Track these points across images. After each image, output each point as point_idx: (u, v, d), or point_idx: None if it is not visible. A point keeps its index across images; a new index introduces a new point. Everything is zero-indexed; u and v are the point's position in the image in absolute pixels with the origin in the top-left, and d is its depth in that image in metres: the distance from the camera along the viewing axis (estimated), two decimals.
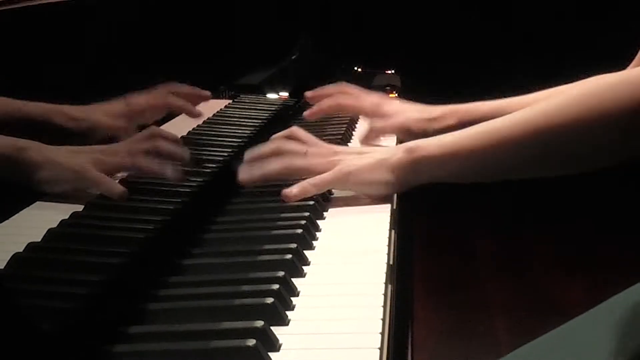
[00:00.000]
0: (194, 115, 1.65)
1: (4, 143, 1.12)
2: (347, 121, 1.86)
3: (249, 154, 1.36)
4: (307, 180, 1.31)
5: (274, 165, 1.32)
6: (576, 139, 1.18)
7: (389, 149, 1.35)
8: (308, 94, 1.78)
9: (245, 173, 1.33)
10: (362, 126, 1.82)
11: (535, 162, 1.24)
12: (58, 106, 1.29)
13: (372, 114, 1.67)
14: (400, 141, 1.71)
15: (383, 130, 1.64)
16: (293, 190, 1.29)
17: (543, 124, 1.19)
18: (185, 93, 1.65)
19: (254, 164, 1.34)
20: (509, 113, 1.55)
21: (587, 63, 1.56)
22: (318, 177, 1.31)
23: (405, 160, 1.28)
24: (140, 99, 1.52)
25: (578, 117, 1.16)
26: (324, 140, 1.41)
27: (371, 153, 1.33)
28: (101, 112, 1.40)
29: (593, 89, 1.17)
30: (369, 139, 1.65)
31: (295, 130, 1.40)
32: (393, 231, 1.23)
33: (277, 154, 1.34)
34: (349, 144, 1.73)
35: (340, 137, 1.71)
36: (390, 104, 1.67)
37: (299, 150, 1.35)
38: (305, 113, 1.75)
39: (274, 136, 1.40)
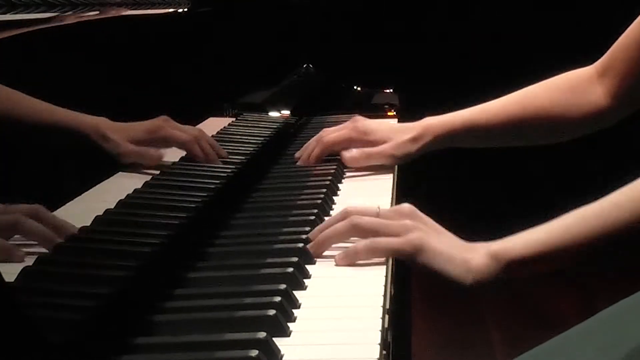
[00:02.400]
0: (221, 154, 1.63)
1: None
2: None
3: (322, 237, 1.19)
4: (365, 241, 1.15)
5: (338, 227, 1.18)
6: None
7: (467, 247, 1.20)
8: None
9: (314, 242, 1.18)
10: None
11: (613, 253, 1.21)
12: (95, 119, 1.33)
13: (360, 142, 1.66)
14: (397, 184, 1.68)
15: (373, 157, 1.63)
16: (342, 255, 1.15)
17: (611, 224, 1.16)
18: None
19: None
20: (483, 124, 1.58)
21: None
22: (383, 239, 1.15)
23: (494, 265, 1.16)
24: (167, 131, 1.52)
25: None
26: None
27: (452, 241, 1.21)
28: (123, 133, 1.40)
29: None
30: (359, 162, 1.63)
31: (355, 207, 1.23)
32: None
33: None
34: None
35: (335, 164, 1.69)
36: (376, 130, 1.66)
37: (370, 210, 1.20)
38: (299, 158, 1.70)
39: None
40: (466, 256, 1.17)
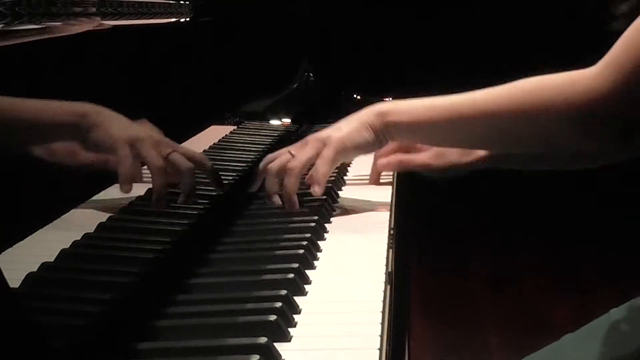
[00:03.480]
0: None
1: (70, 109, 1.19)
2: None
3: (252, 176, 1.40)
4: (315, 170, 1.34)
5: (289, 184, 1.35)
6: (521, 126, 1.25)
7: (361, 113, 1.38)
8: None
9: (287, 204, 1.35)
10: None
11: (487, 139, 1.33)
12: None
13: (406, 150, 1.61)
14: (398, 174, 1.68)
15: (413, 164, 1.57)
16: (315, 189, 1.34)
17: (494, 109, 1.25)
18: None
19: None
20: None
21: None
22: (320, 158, 1.35)
23: (379, 123, 1.34)
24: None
25: (525, 109, 1.23)
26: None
27: (347, 120, 1.38)
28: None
29: (544, 85, 1.22)
30: (400, 168, 1.60)
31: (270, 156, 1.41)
32: (390, 251, 1.23)
33: (277, 173, 1.36)
34: (347, 176, 1.71)
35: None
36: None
37: (284, 155, 1.38)
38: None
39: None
40: (364, 119, 1.36)
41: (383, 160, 1.59)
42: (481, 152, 1.56)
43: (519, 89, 1.24)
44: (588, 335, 1.35)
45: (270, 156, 1.40)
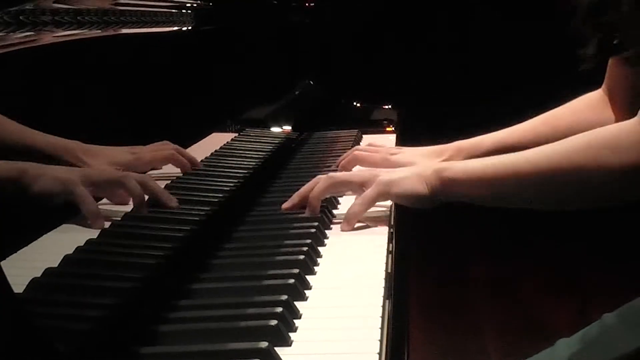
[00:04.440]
0: (196, 166, 1.62)
1: (9, 167, 1.13)
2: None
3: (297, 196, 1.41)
4: (353, 204, 1.36)
5: (319, 186, 1.38)
6: (575, 182, 1.25)
7: (419, 166, 1.42)
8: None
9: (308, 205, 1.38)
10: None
11: (543, 196, 1.31)
12: (71, 143, 1.29)
13: (384, 167, 1.64)
14: None
15: None
16: (345, 224, 1.35)
17: (548, 166, 1.26)
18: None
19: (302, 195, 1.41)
20: (511, 145, 1.57)
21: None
22: (361, 196, 1.36)
23: (435, 178, 1.33)
24: (146, 151, 1.51)
25: (577, 164, 1.23)
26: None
27: (404, 168, 1.41)
28: (106, 158, 1.38)
29: (593, 139, 1.23)
30: None
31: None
32: (390, 256, 1.23)
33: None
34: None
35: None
36: (402, 156, 1.66)
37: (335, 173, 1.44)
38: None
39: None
40: (420, 172, 1.35)
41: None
42: (458, 158, 1.59)
43: (571, 144, 1.25)
44: (581, 340, 1.35)
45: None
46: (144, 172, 1.45)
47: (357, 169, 1.67)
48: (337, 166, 1.70)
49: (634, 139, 1.18)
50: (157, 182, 1.42)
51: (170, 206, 1.33)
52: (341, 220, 1.37)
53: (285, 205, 1.41)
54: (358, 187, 1.38)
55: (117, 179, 1.29)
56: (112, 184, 1.29)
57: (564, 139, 1.26)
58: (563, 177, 1.25)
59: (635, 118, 1.18)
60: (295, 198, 1.41)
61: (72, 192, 1.19)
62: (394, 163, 1.62)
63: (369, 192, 1.35)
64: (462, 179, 1.32)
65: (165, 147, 1.56)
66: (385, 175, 1.37)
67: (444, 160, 1.59)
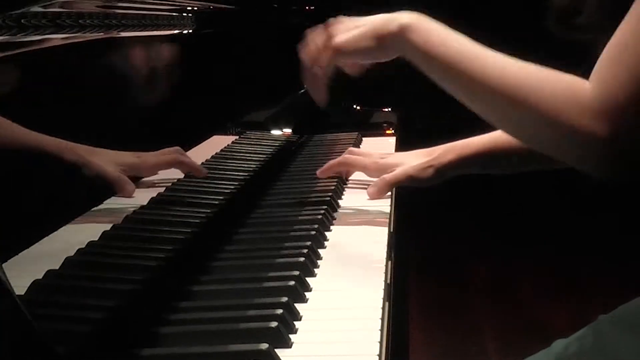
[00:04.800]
0: (201, 174, 1.59)
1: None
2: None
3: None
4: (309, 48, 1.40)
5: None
6: (517, 108, 1.17)
7: (379, 18, 1.35)
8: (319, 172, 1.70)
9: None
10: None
11: (478, 100, 1.24)
12: (71, 144, 1.28)
13: (374, 170, 1.65)
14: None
15: (390, 182, 1.58)
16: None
17: (499, 75, 1.19)
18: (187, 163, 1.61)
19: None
20: (502, 145, 1.56)
21: None
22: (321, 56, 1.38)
23: (395, 30, 1.30)
24: (150, 155, 1.50)
25: (524, 93, 1.15)
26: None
27: (361, 24, 1.36)
28: (110, 158, 1.37)
29: (551, 79, 1.15)
30: (381, 192, 1.58)
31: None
32: (389, 259, 1.23)
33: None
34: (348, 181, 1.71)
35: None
36: (392, 158, 1.65)
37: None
38: (318, 172, 1.69)
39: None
40: (379, 25, 1.33)
41: (371, 189, 1.60)
42: (450, 156, 1.58)
43: (531, 71, 1.18)
44: (577, 341, 1.35)
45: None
46: (149, 176, 1.45)
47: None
48: (328, 168, 1.69)
49: (582, 102, 1.10)
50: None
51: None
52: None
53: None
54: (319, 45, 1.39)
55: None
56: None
57: (531, 64, 1.20)
58: (509, 96, 1.17)
59: (589, 83, 1.12)
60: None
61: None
62: (383, 165, 1.62)
63: (323, 56, 1.37)
64: (420, 46, 1.27)
65: (170, 151, 1.55)
66: (342, 36, 1.36)
67: (433, 159, 1.58)
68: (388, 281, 1.14)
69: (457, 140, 1.62)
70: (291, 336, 0.94)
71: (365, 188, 1.59)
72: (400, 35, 1.29)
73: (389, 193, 1.58)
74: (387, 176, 1.58)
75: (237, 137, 2.04)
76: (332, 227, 1.37)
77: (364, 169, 1.66)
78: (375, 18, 1.35)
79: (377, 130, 2.37)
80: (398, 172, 1.58)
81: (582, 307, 3.46)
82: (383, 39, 1.31)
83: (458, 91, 1.26)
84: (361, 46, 1.34)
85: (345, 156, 1.69)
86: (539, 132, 1.16)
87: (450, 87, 1.27)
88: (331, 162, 1.69)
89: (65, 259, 1.07)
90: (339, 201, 1.54)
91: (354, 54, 1.36)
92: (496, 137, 1.58)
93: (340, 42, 1.35)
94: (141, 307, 1.02)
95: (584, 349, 1.33)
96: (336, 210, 1.48)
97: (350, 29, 1.36)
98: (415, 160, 1.60)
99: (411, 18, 1.30)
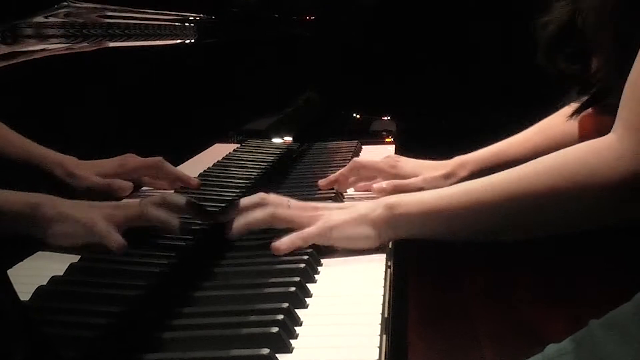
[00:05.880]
0: (192, 185, 1.53)
1: (18, 199, 1.04)
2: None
3: (233, 206, 1.28)
4: (295, 234, 1.23)
5: (258, 214, 1.25)
6: (549, 206, 1.15)
7: (370, 203, 1.26)
8: (321, 182, 1.66)
9: (232, 224, 1.25)
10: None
11: (510, 225, 1.20)
12: (65, 158, 1.24)
13: (388, 173, 1.64)
14: None
15: (403, 189, 1.56)
16: (282, 244, 1.22)
17: (518, 190, 1.16)
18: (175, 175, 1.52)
19: (239, 215, 1.26)
20: (512, 156, 1.55)
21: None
22: (304, 230, 1.23)
23: (385, 216, 1.23)
24: (135, 160, 1.44)
25: (552, 186, 1.14)
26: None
27: (352, 208, 1.27)
28: (94, 169, 1.32)
29: (568, 159, 1.15)
30: (388, 193, 1.55)
31: (268, 195, 1.30)
32: (389, 265, 1.23)
33: (260, 205, 1.27)
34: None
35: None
36: (405, 164, 1.64)
37: (282, 202, 1.28)
38: (321, 182, 1.65)
39: (244, 199, 1.29)
40: (365, 213, 1.23)
41: (379, 186, 1.60)
42: (463, 173, 1.58)
43: (542, 166, 1.16)
44: (570, 346, 1.35)
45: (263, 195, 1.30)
46: (131, 179, 1.40)
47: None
48: (337, 178, 1.67)
49: (611, 156, 1.10)
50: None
51: (200, 214, 1.27)
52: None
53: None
54: (299, 228, 1.24)
55: (138, 214, 1.19)
56: (133, 219, 1.18)
57: (532, 161, 1.17)
58: (535, 201, 1.14)
59: (610, 135, 1.12)
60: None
61: (93, 232, 1.11)
62: (399, 169, 1.62)
63: (312, 230, 1.23)
64: (416, 213, 1.21)
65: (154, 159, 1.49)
66: (327, 218, 1.24)
67: (446, 174, 1.59)
68: (387, 288, 1.14)
69: (457, 147, 1.62)
70: (292, 341, 0.94)
71: (364, 199, 1.59)
72: (390, 216, 1.22)
73: None
74: (399, 183, 1.59)
75: (238, 145, 2.04)
76: None
77: (377, 170, 1.65)
78: (363, 204, 1.27)
79: (376, 139, 2.37)
80: (411, 182, 1.58)
81: (578, 312, 3.46)
82: (378, 224, 1.23)
83: (487, 226, 1.20)
84: (351, 233, 1.24)
85: (355, 159, 1.68)
86: (585, 210, 1.15)
87: (475, 228, 1.21)
88: (343, 171, 1.66)
89: (70, 265, 1.07)
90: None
91: (344, 241, 1.25)
92: (503, 149, 1.59)
93: (329, 226, 1.24)
94: (144, 312, 1.02)
95: (576, 352, 1.33)
96: None
97: (339, 212, 1.27)
98: (428, 172, 1.60)
99: (392, 197, 1.25)
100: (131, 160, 1.43)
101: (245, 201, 1.28)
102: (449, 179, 1.59)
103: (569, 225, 1.20)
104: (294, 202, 1.28)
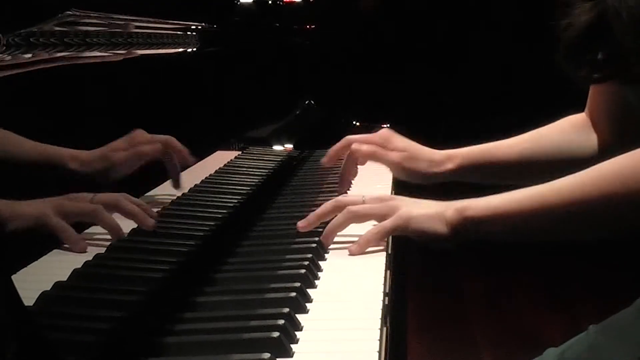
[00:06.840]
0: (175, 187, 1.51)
1: None
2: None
3: (313, 217, 1.35)
4: (368, 231, 1.29)
5: (339, 218, 1.32)
6: (615, 208, 1.18)
7: (442, 204, 1.31)
8: (324, 160, 1.69)
9: (322, 239, 1.31)
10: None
11: (572, 228, 1.24)
12: (72, 151, 1.24)
13: (380, 144, 1.63)
14: (395, 179, 1.71)
15: (385, 158, 1.61)
16: (355, 247, 1.29)
17: (582, 194, 1.19)
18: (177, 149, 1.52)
19: (313, 222, 1.34)
20: (496, 156, 1.56)
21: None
22: (379, 225, 1.29)
23: (456, 218, 1.26)
24: (144, 135, 1.44)
25: (611, 194, 1.17)
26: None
27: (425, 203, 1.31)
28: (106, 151, 1.33)
29: (626, 166, 1.17)
30: (372, 157, 1.62)
31: (341, 197, 1.41)
32: (388, 272, 1.23)
33: (338, 208, 1.33)
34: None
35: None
36: (399, 140, 1.64)
37: (356, 199, 1.35)
38: (323, 160, 1.69)
39: (319, 209, 1.36)
40: (441, 211, 1.28)
41: (359, 146, 1.60)
42: (450, 165, 1.59)
43: (600, 173, 1.19)
44: (568, 351, 1.35)
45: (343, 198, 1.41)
46: (119, 163, 1.37)
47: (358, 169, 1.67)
48: (331, 155, 1.68)
49: None
50: (163, 199, 1.43)
51: (147, 225, 1.26)
52: (342, 235, 1.37)
53: (301, 224, 1.35)
54: (379, 219, 1.31)
55: (88, 212, 1.20)
56: (83, 215, 1.19)
57: (592, 167, 1.20)
58: (602, 205, 1.17)
59: None
60: (312, 218, 1.35)
61: (46, 224, 1.12)
62: (390, 144, 1.61)
63: (387, 223, 1.29)
64: (486, 217, 1.25)
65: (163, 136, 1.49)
66: (405, 209, 1.29)
67: (434, 163, 1.59)
68: (386, 294, 1.14)
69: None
70: (292, 346, 0.94)
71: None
72: (461, 218, 1.26)
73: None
74: (383, 153, 1.61)
75: (240, 152, 2.04)
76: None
77: (369, 140, 1.64)
78: (438, 203, 1.31)
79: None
80: (390, 154, 1.60)
81: (576, 317, 3.46)
82: (451, 225, 1.27)
83: (552, 228, 1.25)
84: (426, 227, 1.28)
85: (347, 137, 1.66)
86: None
87: (541, 230, 1.26)
88: (335, 148, 1.67)
89: (73, 270, 1.07)
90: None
91: (417, 233, 1.29)
92: (490, 148, 1.59)
93: (407, 216, 1.29)
94: (146, 317, 1.02)
95: (575, 357, 1.33)
96: None
97: (415, 206, 1.31)
98: (417, 154, 1.61)
99: (463, 201, 1.28)
100: (139, 134, 1.44)
101: (322, 210, 1.35)
102: (433, 165, 1.60)
103: (621, 230, 1.24)
104: (368, 196, 1.35)
